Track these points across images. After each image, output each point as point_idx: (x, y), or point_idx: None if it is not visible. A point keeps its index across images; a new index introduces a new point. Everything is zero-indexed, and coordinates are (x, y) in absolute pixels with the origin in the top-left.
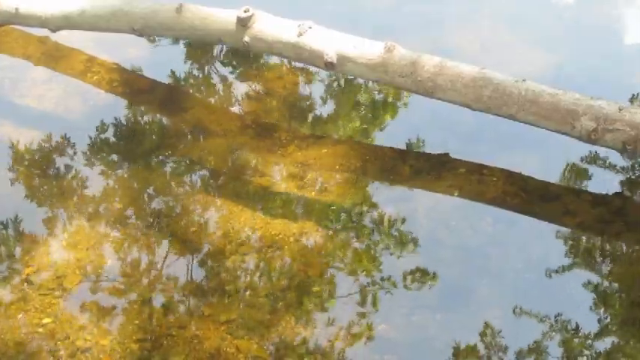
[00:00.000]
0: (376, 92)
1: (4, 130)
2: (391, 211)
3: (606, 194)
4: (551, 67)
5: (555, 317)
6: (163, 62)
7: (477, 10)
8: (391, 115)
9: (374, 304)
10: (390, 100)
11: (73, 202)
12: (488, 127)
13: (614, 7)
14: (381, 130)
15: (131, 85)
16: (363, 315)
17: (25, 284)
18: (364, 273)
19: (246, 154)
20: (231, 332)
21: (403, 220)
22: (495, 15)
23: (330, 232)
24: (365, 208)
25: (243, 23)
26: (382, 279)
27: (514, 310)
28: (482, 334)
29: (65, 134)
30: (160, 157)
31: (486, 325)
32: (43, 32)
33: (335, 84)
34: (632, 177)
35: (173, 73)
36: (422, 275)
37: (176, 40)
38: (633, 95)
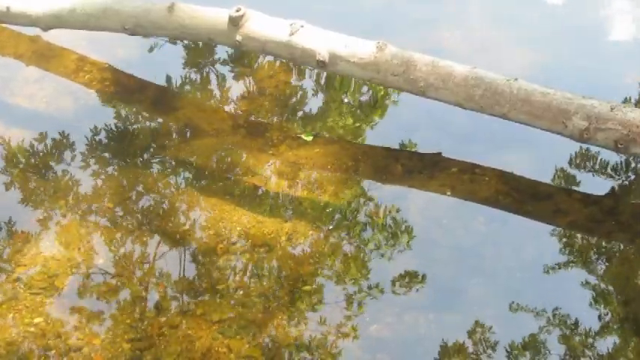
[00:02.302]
0: (368, 91)
1: None
2: (383, 210)
3: (598, 194)
4: (541, 67)
5: (548, 315)
6: (155, 62)
7: (468, 10)
8: (382, 115)
9: (366, 303)
10: (381, 99)
11: (64, 201)
12: (480, 126)
13: (603, 7)
14: (373, 129)
15: (122, 84)
16: (355, 314)
17: (17, 284)
18: (356, 273)
19: (238, 153)
20: (223, 332)
21: (397, 220)
22: (486, 15)
23: (322, 232)
24: (357, 208)
25: (235, 22)
26: (374, 279)
27: (507, 309)
28: (475, 334)
29: (56, 133)
30: (151, 156)
31: (479, 324)
32: (34, 31)
33: (327, 83)
34: (624, 177)
35: (164, 72)
36: (414, 275)
37: (168, 40)
38: (625, 98)
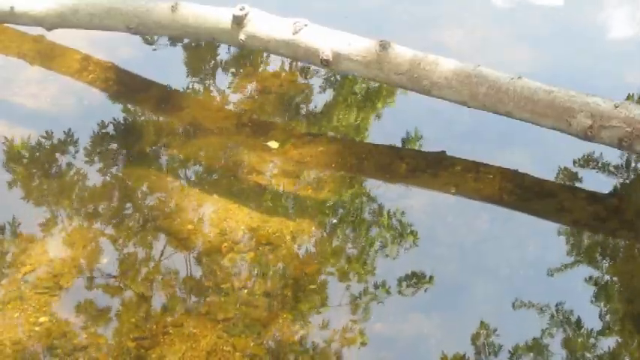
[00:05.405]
0: (372, 90)
1: None
2: (388, 208)
3: (602, 192)
4: (542, 66)
5: (551, 314)
6: (159, 61)
7: (468, 10)
8: (386, 113)
9: (370, 303)
10: (385, 98)
11: (68, 201)
12: (484, 125)
13: (603, 6)
14: (377, 128)
15: (126, 84)
16: (359, 314)
17: (22, 283)
18: (360, 272)
19: (242, 152)
20: (228, 330)
21: (401, 217)
22: (486, 14)
23: (327, 230)
24: (361, 206)
25: (238, 21)
26: (378, 277)
27: (510, 307)
28: (477, 332)
29: (60, 133)
30: (156, 155)
31: (482, 322)
32: (38, 31)
33: (331, 82)
34: (629, 175)
35: (168, 72)
36: (418, 275)
37: (172, 39)
38: (629, 95)
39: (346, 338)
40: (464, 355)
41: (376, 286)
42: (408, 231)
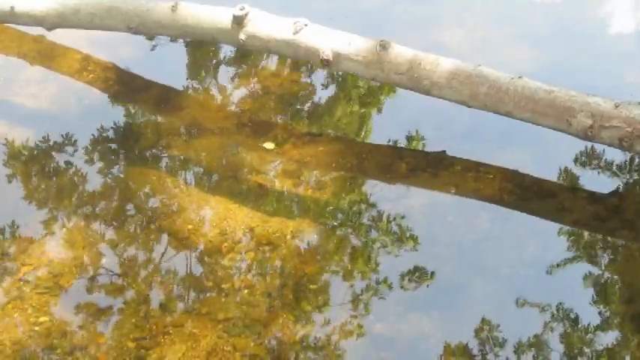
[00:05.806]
0: (372, 90)
1: None
2: (388, 208)
3: (602, 192)
4: (542, 66)
5: (551, 313)
6: (159, 61)
7: (468, 10)
8: (386, 112)
9: (370, 302)
10: (386, 97)
11: (69, 201)
12: (485, 124)
13: (603, 6)
14: (377, 127)
15: (127, 83)
16: (359, 313)
17: (22, 283)
18: (361, 271)
19: (242, 152)
20: (228, 330)
21: (402, 217)
22: (486, 14)
23: (327, 230)
24: (361, 206)
25: (238, 21)
26: (378, 277)
27: (510, 306)
28: (478, 331)
29: (61, 133)
30: (156, 155)
31: (482, 321)
32: (38, 31)
33: (331, 81)
34: (629, 175)
35: (169, 71)
36: (419, 273)
37: (172, 39)
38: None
39: (346, 338)
40: (464, 354)
41: (376, 287)
42: (407, 234)
